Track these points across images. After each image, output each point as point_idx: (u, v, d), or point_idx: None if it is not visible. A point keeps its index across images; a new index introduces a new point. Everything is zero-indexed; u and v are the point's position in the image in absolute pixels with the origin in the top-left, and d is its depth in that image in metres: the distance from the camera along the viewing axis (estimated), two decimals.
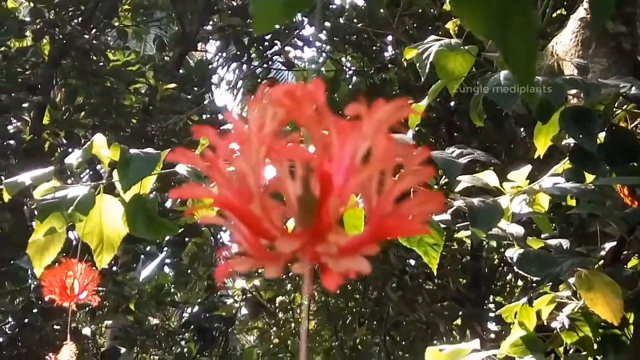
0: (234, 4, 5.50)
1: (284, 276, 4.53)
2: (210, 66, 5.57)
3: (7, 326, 4.34)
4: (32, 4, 4.61)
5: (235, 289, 5.81)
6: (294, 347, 5.06)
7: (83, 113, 4.58)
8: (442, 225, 1.38)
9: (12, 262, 3.91)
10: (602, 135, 1.45)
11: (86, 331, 5.11)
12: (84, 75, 4.48)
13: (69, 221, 1.36)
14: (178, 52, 5.23)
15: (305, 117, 0.33)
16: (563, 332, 1.42)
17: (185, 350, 5.48)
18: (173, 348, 5.40)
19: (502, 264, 4.47)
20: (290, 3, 0.53)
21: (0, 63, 4.39)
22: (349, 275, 0.35)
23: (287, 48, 5.09)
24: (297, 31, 4.85)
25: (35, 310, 4.07)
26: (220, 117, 4.78)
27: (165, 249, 4.80)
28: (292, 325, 5.18)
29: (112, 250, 1.44)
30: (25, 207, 3.99)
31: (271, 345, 5.46)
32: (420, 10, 4.19)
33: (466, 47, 1.59)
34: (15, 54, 4.48)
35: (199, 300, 5.13)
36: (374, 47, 4.71)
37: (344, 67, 5.17)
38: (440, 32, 2.25)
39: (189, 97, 4.87)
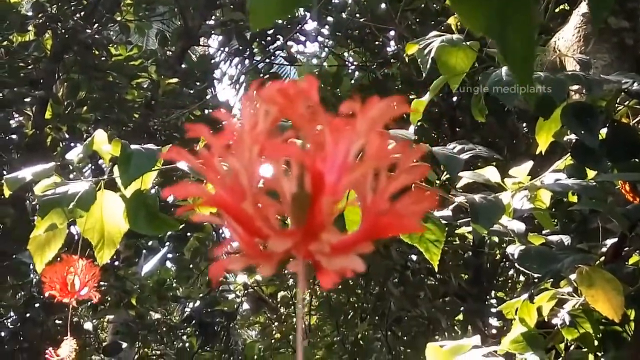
0: None
1: (285, 271, 4.53)
2: (212, 61, 5.57)
3: (8, 320, 4.36)
4: None
5: (237, 284, 5.83)
6: (295, 342, 5.06)
7: (85, 108, 4.58)
8: (444, 221, 1.38)
9: (14, 256, 3.92)
10: (604, 131, 1.44)
11: (88, 326, 5.12)
12: (86, 70, 4.48)
13: (70, 217, 1.35)
14: (180, 47, 5.22)
15: (298, 115, 0.33)
16: (564, 328, 1.42)
17: (187, 345, 5.50)
18: (175, 343, 5.41)
19: (503, 260, 4.45)
20: None
21: (3, 57, 4.39)
22: (345, 274, 0.35)
23: (289, 43, 5.09)
24: (300, 26, 4.84)
25: (37, 305, 4.08)
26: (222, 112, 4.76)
27: (167, 243, 4.80)
28: (294, 320, 5.18)
29: (113, 246, 1.44)
30: (28, 201, 4.00)
31: (273, 340, 5.47)
32: (422, 5, 4.18)
33: (468, 43, 1.59)
34: (18, 49, 4.47)
35: (201, 295, 5.13)
36: (377, 42, 4.70)
37: (347, 62, 5.16)
38: (442, 27, 2.24)
39: (191, 92, 4.87)
